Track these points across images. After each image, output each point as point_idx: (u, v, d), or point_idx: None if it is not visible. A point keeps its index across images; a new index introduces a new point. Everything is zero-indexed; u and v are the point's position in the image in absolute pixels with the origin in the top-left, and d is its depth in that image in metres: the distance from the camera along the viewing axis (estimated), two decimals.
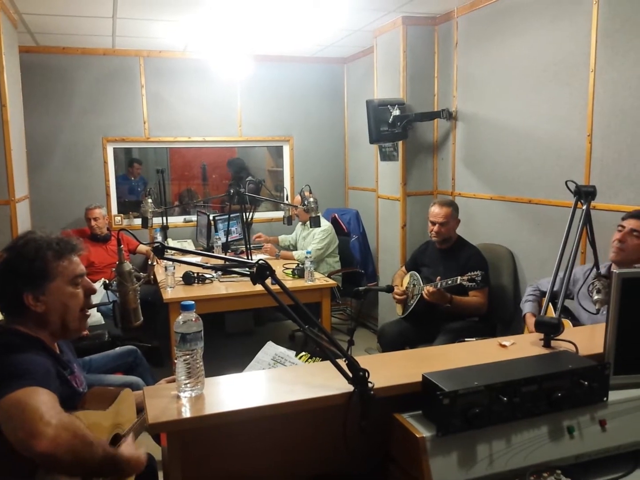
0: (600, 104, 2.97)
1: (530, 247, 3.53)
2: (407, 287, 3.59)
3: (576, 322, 2.70)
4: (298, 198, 4.65)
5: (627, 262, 2.49)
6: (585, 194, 1.90)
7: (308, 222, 4.79)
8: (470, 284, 3.03)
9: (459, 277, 3.07)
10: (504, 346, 1.73)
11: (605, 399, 1.43)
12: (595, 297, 1.95)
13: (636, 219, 2.53)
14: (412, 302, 3.47)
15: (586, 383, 1.39)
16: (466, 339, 2.24)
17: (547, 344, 1.69)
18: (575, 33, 3.09)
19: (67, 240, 1.68)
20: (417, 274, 3.52)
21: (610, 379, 1.44)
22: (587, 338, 1.85)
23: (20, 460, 1.32)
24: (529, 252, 3.54)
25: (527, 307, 2.96)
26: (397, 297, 3.58)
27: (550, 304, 2.15)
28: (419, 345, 3.39)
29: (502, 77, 3.70)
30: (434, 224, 3.47)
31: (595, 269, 2.04)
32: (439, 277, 3.23)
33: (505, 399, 1.32)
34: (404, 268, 3.85)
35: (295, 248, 5.07)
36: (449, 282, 3.13)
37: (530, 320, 2.84)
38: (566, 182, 1.95)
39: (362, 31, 4.67)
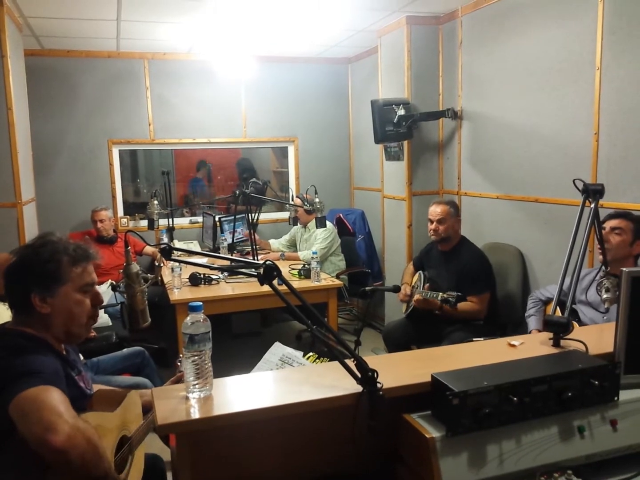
0: (607, 102, 2.95)
1: (537, 246, 3.52)
2: (413, 287, 3.59)
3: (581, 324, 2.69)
4: (298, 201, 4.58)
5: (617, 259, 2.53)
6: (593, 192, 1.89)
7: (309, 225, 4.80)
8: (444, 304, 3.13)
9: (440, 294, 3.16)
10: (513, 346, 1.72)
11: (616, 398, 1.42)
12: (604, 295, 1.94)
13: (614, 219, 2.61)
14: (413, 302, 3.47)
15: (597, 382, 1.38)
16: (474, 339, 2.23)
17: (556, 344, 1.67)
18: (581, 31, 3.08)
19: (84, 248, 1.68)
20: (423, 275, 3.52)
21: (621, 379, 1.43)
22: (597, 337, 1.83)
23: (29, 464, 1.32)
24: (537, 251, 3.53)
25: (532, 323, 2.95)
26: (401, 297, 3.60)
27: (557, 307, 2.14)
28: (424, 345, 3.38)
29: (507, 76, 3.68)
30: (431, 222, 3.51)
31: (603, 268, 2.03)
32: (426, 286, 3.33)
33: (515, 399, 1.31)
34: (411, 265, 3.85)
35: (288, 249, 5.04)
36: (434, 295, 3.21)
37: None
38: (574, 181, 1.94)
39: (366, 31, 4.67)
